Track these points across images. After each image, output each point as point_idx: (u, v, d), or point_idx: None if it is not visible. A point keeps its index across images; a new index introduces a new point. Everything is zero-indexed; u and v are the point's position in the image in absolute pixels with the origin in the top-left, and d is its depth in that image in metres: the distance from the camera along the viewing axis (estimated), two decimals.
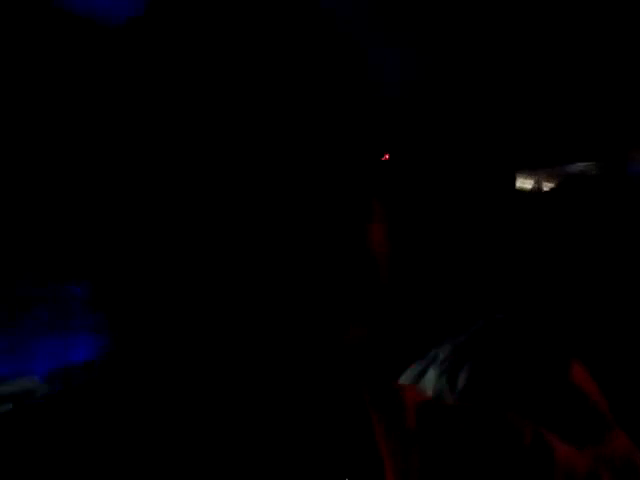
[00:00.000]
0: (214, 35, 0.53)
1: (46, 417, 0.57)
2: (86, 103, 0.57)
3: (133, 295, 0.55)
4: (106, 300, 0.56)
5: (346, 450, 0.59)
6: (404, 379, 1.10)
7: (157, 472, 0.55)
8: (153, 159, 0.53)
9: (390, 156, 0.56)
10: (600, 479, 0.65)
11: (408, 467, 0.60)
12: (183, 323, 0.53)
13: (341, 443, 0.59)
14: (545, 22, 2.43)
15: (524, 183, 3.12)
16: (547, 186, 3.19)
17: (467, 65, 2.56)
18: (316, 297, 0.52)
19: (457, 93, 2.65)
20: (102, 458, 0.56)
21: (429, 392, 1.03)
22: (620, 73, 2.73)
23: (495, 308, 1.18)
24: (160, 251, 0.53)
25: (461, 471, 0.61)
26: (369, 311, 0.54)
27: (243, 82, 0.52)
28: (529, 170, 3.14)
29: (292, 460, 0.56)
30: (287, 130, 0.52)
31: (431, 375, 1.06)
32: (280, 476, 0.56)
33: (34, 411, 0.58)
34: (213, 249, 0.51)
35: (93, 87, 0.56)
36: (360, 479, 0.58)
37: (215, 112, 0.52)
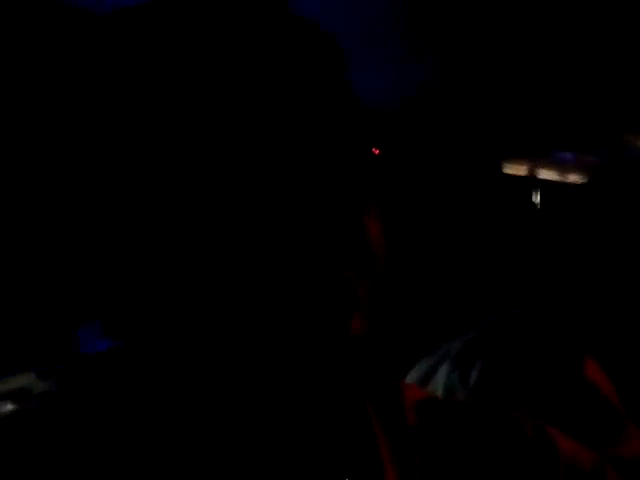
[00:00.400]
0: (207, 34, 0.54)
1: (45, 417, 0.56)
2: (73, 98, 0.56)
3: (132, 295, 0.55)
4: (108, 299, 0.56)
5: (346, 450, 0.58)
6: (412, 376, 1.09)
7: (157, 473, 0.54)
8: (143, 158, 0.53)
9: (380, 151, 0.57)
10: (605, 476, 0.64)
11: (409, 466, 0.59)
12: (182, 318, 0.53)
13: (341, 442, 0.58)
14: (534, 11, 2.42)
15: (518, 170, 3.12)
16: (541, 173, 3.19)
17: (458, 57, 2.55)
18: (313, 292, 0.52)
19: (450, 85, 2.65)
20: (100, 459, 0.55)
21: (440, 389, 1.02)
22: (612, 61, 2.73)
23: (507, 304, 1.18)
24: (153, 247, 0.53)
25: (462, 468, 0.61)
26: (366, 305, 0.54)
27: (238, 81, 0.53)
28: (522, 157, 3.15)
29: (291, 459, 0.56)
30: (281, 130, 0.52)
31: (443, 371, 1.05)
32: (279, 476, 0.55)
33: (33, 412, 0.56)
34: (210, 247, 0.51)
35: (82, 79, 0.56)
36: (360, 479, 0.57)
37: (207, 111, 0.52)
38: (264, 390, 0.54)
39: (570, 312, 1.09)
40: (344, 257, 0.52)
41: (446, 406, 0.65)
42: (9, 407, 0.55)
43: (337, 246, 0.52)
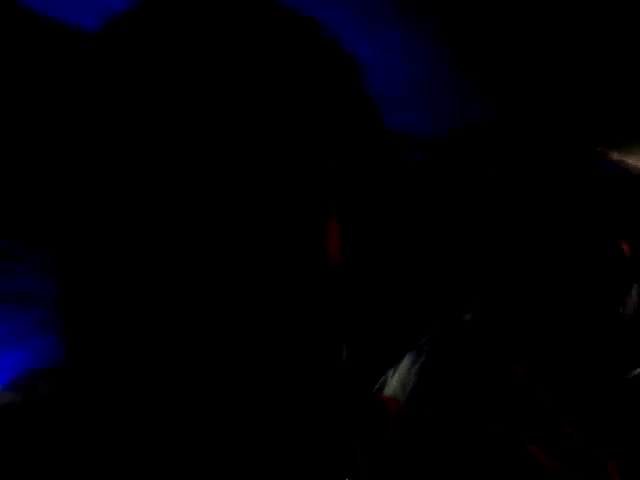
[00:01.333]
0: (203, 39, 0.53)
1: (12, 429, 0.57)
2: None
3: (105, 298, 0.53)
4: (77, 301, 0.54)
5: (323, 459, 0.58)
6: (379, 383, 1.14)
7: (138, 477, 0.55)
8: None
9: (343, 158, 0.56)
10: None
11: (386, 473, 0.60)
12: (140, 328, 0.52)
13: (318, 453, 0.58)
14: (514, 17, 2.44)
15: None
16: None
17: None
18: (274, 298, 0.52)
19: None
20: (72, 469, 0.55)
21: (389, 393, 1.07)
22: (592, 70, 2.74)
23: (463, 307, 1.22)
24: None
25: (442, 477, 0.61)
26: (326, 309, 0.55)
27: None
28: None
29: (267, 467, 0.56)
30: (246, 133, 0.52)
31: (390, 379, 1.10)
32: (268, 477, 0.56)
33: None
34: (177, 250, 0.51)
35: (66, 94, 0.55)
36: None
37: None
38: (242, 396, 0.53)
39: (511, 315, 1.13)
40: (302, 264, 0.53)
41: (423, 417, 0.65)
42: None
43: (296, 253, 0.52)
